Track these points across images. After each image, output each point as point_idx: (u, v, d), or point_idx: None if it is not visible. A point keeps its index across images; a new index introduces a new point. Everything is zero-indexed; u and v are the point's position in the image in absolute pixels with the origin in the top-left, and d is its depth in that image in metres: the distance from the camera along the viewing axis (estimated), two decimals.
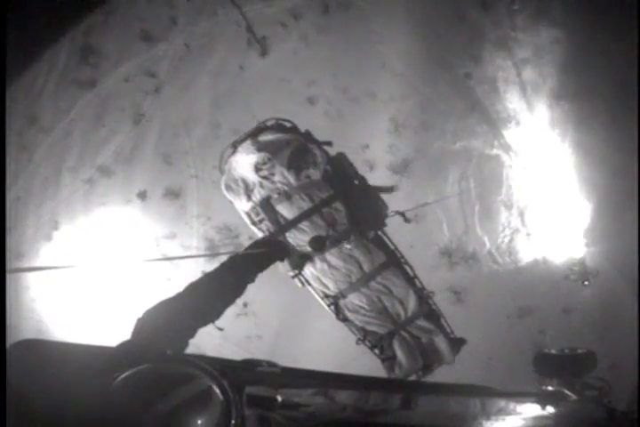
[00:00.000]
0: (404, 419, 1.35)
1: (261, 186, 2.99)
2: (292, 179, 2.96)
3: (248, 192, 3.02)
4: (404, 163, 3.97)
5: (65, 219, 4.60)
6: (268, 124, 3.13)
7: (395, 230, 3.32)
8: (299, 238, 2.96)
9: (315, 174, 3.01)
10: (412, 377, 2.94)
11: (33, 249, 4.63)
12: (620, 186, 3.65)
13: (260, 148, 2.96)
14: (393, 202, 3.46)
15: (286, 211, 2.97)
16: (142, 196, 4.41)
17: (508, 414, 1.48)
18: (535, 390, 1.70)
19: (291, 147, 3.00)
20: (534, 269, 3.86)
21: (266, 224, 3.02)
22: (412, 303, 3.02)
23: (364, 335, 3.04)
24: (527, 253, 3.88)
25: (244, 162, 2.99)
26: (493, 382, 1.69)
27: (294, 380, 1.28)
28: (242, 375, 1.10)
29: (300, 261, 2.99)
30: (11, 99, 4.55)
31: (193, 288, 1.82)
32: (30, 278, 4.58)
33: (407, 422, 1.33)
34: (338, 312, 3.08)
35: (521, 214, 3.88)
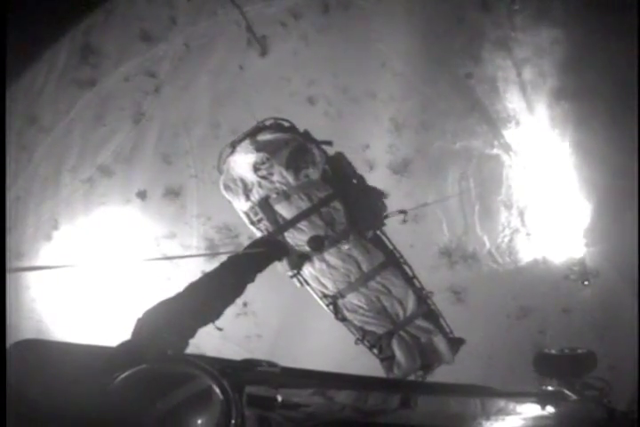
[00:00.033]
0: (403, 419, 1.35)
1: (260, 186, 2.99)
2: (290, 178, 2.96)
3: (247, 192, 3.02)
4: (403, 163, 3.97)
5: (65, 219, 4.59)
6: (267, 123, 3.13)
7: (394, 230, 3.33)
8: (297, 238, 2.95)
9: (313, 174, 3.01)
10: (412, 377, 2.95)
11: (33, 249, 4.63)
12: (619, 186, 3.64)
13: (259, 147, 2.96)
14: (393, 202, 3.47)
15: (285, 210, 2.97)
16: (142, 195, 4.41)
17: (508, 414, 1.49)
18: (535, 390, 1.70)
19: (289, 146, 3.00)
20: (534, 269, 3.86)
21: (264, 224, 3.02)
22: (410, 303, 3.02)
23: (363, 335, 3.04)
24: (527, 253, 3.88)
25: (243, 162, 2.99)
26: (493, 382, 1.69)
27: (294, 380, 1.28)
28: (242, 375, 1.10)
29: (298, 260, 3.00)
30: (11, 99, 4.55)
31: (193, 288, 1.83)
32: (30, 278, 4.58)
33: (407, 422, 1.33)
34: (336, 312, 3.08)
35: (521, 214, 3.88)
